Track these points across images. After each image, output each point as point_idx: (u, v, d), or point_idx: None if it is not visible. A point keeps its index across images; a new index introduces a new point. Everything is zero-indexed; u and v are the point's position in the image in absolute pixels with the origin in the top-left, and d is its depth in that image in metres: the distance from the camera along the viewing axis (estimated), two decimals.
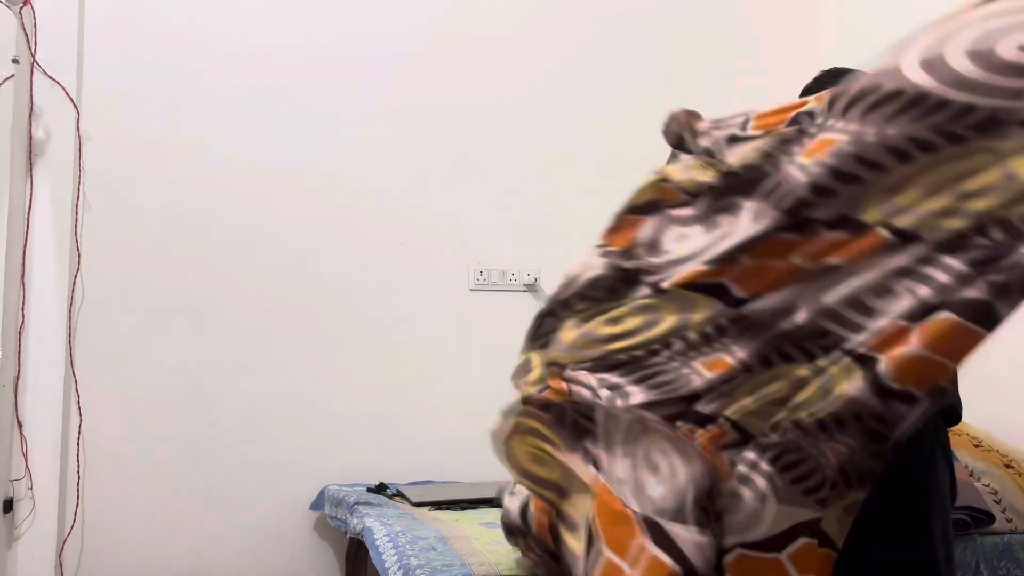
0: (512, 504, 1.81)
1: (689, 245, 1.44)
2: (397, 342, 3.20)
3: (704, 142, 1.51)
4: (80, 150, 2.91)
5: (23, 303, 2.81)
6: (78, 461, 2.87)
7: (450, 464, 3.20)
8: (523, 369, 1.64)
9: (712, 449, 1.36)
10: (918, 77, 1.23)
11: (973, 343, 1.20)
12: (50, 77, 2.85)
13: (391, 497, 2.85)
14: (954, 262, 1.19)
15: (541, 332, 1.61)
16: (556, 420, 1.55)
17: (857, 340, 1.26)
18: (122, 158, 2.96)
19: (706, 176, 1.45)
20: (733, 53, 3.63)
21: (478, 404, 3.26)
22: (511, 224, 3.35)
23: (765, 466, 1.34)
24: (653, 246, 1.51)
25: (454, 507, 2.71)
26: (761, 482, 1.34)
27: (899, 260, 1.23)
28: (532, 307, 3.36)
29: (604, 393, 1.45)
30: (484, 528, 2.47)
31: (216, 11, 3.07)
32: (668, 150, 3.70)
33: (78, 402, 2.88)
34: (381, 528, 2.41)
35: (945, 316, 1.19)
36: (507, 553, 2.19)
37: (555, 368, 1.54)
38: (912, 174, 1.23)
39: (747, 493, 1.35)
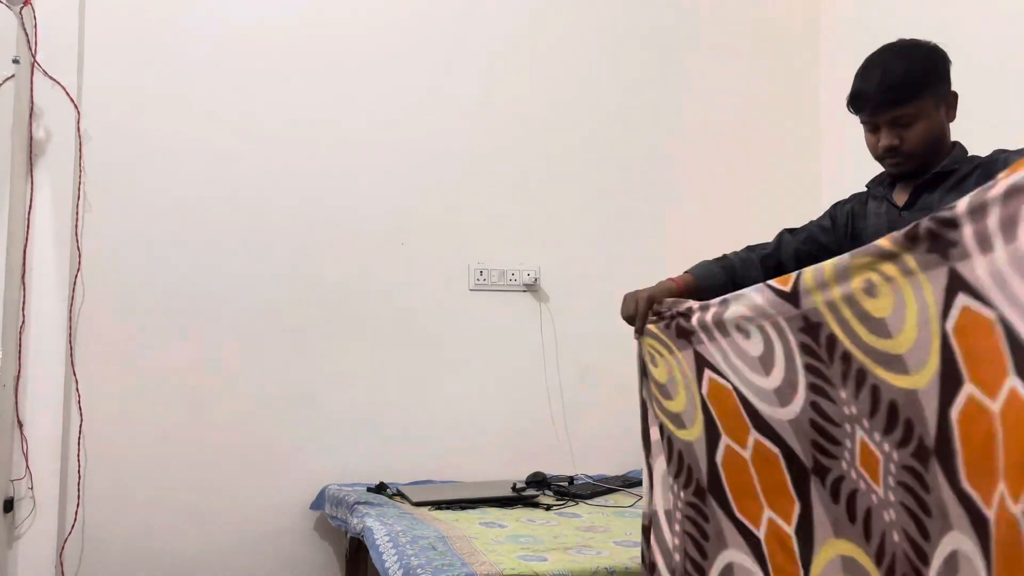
0: None
1: None
2: (397, 342, 3.20)
3: None
4: (80, 150, 2.91)
5: (23, 303, 2.81)
6: (78, 461, 2.87)
7: (450, 464, 3.20)
8: None
9: None
10: None
11: None
12: (50, 77, 2.85)
13: (391, 497, 2.85)
14: None
15: None
16: None
17: None
18: (122, 158, 2.96)
19: None
20: (733, 54, 3.63)
21: (478, 404, 3.28)
22: (511, 224, 3.36)
23: None
24: None
25: (454, 507, 2.71)
26: None
27: None
28: (532, 307, 3.37)
29: None
30: (484, 528, 2.47)
31: (216, 12, 3.07)
32: (666, 153, 3.70)
33: (78, 402, 2.88)
34: (381, 528, 2.41)
35: None
36: (507, 553, 2.20)
37: None
38: None
39: None
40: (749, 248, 2.05)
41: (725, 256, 2.02)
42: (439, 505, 2.73)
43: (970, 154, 1.82)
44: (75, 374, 2.87)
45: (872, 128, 1.77)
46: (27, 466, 2.78)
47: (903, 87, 1.70)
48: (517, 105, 3.37)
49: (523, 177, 3.37)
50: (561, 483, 3.02)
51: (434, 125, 3.27)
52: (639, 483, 3.12)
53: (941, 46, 1.79)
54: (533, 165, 3.38)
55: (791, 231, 2.03)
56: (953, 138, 1.85)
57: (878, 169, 1.91)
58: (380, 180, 3.21)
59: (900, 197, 1.84)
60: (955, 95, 1.77)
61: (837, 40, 3.61)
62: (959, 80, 3.03)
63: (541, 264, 3.37)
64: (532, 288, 3.36)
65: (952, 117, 1.78)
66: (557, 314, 3.38)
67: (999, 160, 1.69)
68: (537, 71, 3.41)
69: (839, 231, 1.97)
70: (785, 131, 3.58)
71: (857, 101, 1.77)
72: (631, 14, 3.53)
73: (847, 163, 3.34)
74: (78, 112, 2.89)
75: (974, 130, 2.81)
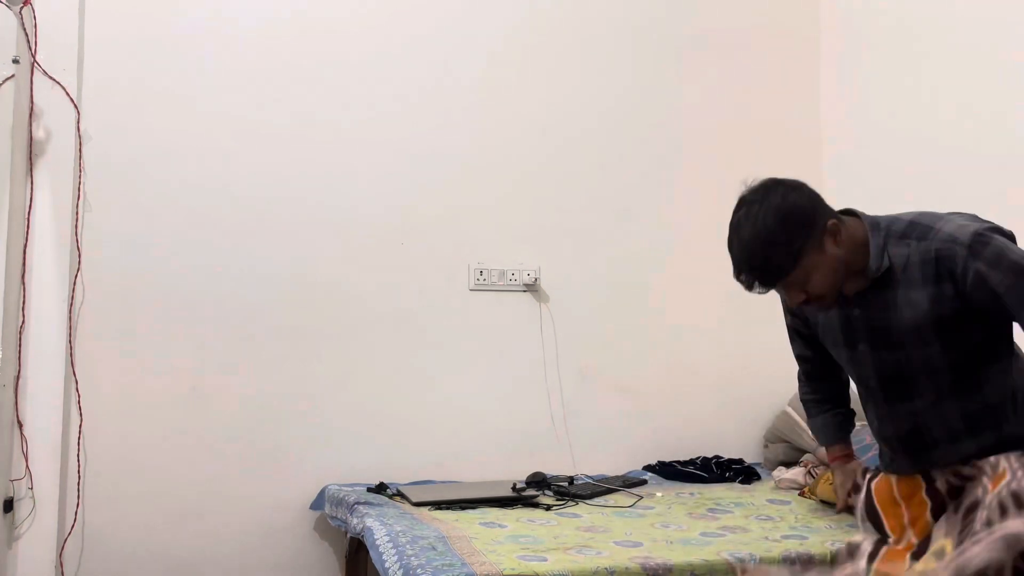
0: None
1: None
2: (397, 342, 3.20)
3: None
4: (80, 150, 2.91)
5: (23, 303, 2.81)
6: (78, 461, 2.87)
7: (450, 464, 3.20)
8: None
9: None
10: None
11: None
12: (50, 77, 2.85)
13: (391, 497, 2.85)
14: None
15: None
16: None
17: None
18: (122, 158, 2.96)
19: None
20: (733, 54, 3.62)
21: (478, 404, 3.28)
22: (511, 224, 3.35)
23: None
24: None
25: (454, 507, 2.71)
26: None
27: None
28: (532, 307, 3.38)
29: None
30: (484, 528, 2.47)
31: (216, 12, 3.07)
32: (667, 153, 3.71)
33: (78, 402, 2.88)
34: (381, 528, 2.41)
35: None
36: (507, 553, 2.20)
37: None
38: None
39: None
40: (805, 400, 2.18)
41: (818, 413, 2.14)
42: (439, 505, 2.73)
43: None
44: (75, 374, 2.87)
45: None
46: (27, 466, 2.78)
47: (774, 271, 1.68)
48: (517, 104, 3.37)
49: (523, 177, 3.37)
50: (561, 483, 3.02)
51: (434, 124, 3.27)
52: (639, 483, 3.13)
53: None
54: (533, 165, 3.38)
55: (791, 342, 2.13)
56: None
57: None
58: (380, 179, 3.21)
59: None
60: (834, 224, 1.71)
61: (837, 40, 3.60)
62: (954, 79, 3.03)
63: (541, 264, 3.37)
64: (532, 288, 3.36)
65: (842, 241, 1.72)
66: (557, 314, 3.38)
67: (951, 258, 1.67)
68: (537, 71, 3.41)
69: (796, 313, 2.02)
70: (785, 131, 3.57)
71: (741, 281, 1.73)
72: (631, 14, 3.53)
73: (847, 163, 3.33)
74: (78, 112, 2.89)
75: (971, 130, 2.82)
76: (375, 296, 3.19)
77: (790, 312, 2.05)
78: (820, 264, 1.69)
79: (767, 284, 1.71)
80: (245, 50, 3.09)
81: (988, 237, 1.66)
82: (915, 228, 1.74)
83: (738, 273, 1.72)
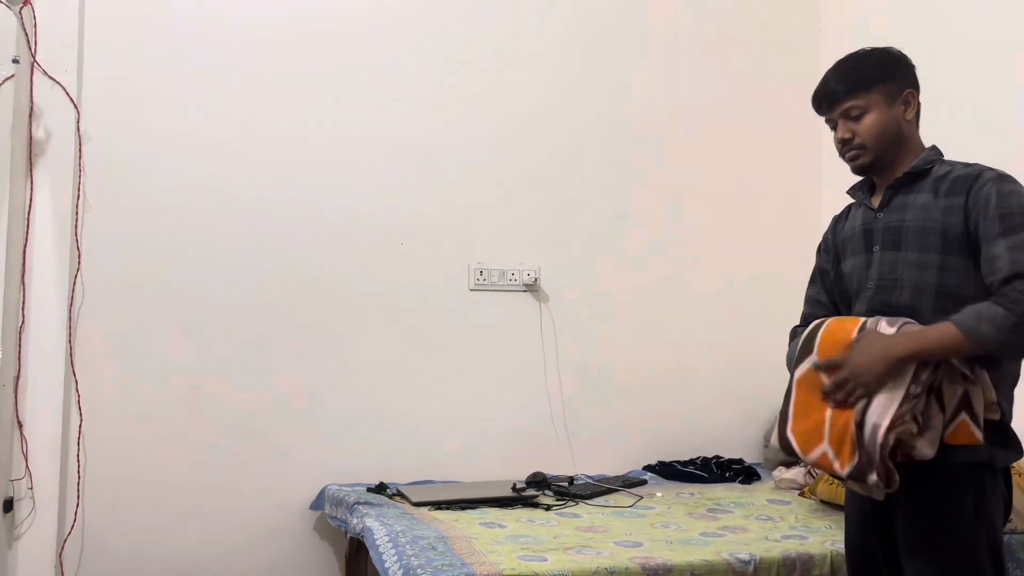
0: None
1: None
2: (397, 342, 3.20)
3: None
4: (80, 150, 2.91)
5: (23, 303, 2.81)
6: (78, 461, 2.87)
7: (450, 464, 3.20)
8: None
9: None
10: None
11: None
12: (50, 77, 2.85)
13: (391, 497, 2.85)
14: None
15: None
16: None
17: None
18: (122, 158, 2.96)
19: None
20: (734, 53, 3.63)
21: (478, 404, 3.28)
22: (511, 224, 3.35)
23: None
24: None
25: (454, 507, 2.71)
26: None
27: None
28: (532, 307, 3.37)
29: None
30: (484, 528, 2.47)
31: (215, 12, 3.06)
32: (667, 153, 3.70)
33: (78, 402, 2.88)
34: (381, 528, 2.41)
35: None
36: (507, 553, 2.20)
37: None
38: None
39: None
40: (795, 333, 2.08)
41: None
42: (439, 505, 2.73)
43: (946, 157, 1.85)
44: (75, 374, 2.87)
45: (833, 126, 1.88)
46: (27, 466, 2.78)
47: (849, 80, 1.82)
48: (517, 104, 3.37)
49: (523, 177, 3.37)
50: (561, 483, 3.02)
51: (434, 125, 3.27)
52: (639, 483, 3.13)
53: (906, 52, 1.86)
54: (533, 165, 3.38)
55: (810, 284, 2.08)
56: (940, 139, 1.89)
57: None
58: (380, 180, 3.21)
59: (876, 200, 1.89)
60: (913, 94, 1.84)
61: (837, 39, 3.60)
62: (954, 78, 3.03)
63: (541, 264, 3.37)
64: (532, 288, 3.36)
65: (911, 115, 1.83)
66: (557, 314, 3.38)
67: (979, 176, 1.74)
68: (537, 70, 3.41)
69: (830, 248, 2.03)
70: (786, 130, 3.57)
71: (814, 100, 1.89)
72: (631, 13, 3.53)
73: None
74: (78, 112, 2.89)
75: (971, 131, 2.82)
76: (375, 296, 3.19)
77: (824, 248, 2.04)
78: (882, 111, 1.80)
79: (835, 98, 1.83)
80: (245, 50, 3.09)
81: (1018, 184, 1.73)
82: (965, 163, 1.81)
83: (820, 85, 1.87)
